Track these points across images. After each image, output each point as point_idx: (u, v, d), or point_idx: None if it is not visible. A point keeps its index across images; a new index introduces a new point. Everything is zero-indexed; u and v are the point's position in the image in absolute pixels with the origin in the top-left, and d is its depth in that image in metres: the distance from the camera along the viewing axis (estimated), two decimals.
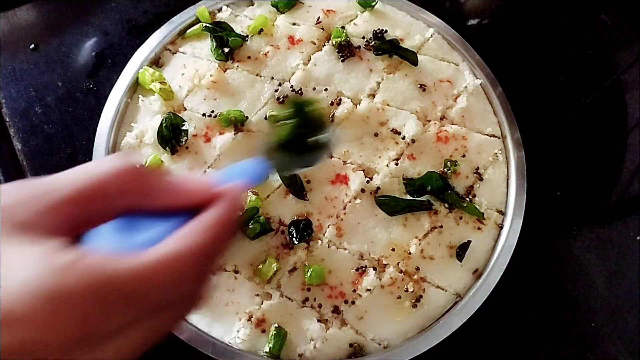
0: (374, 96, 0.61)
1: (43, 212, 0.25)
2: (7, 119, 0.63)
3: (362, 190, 0.56)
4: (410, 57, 0.63)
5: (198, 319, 0.52)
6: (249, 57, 0.63)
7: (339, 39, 0.63)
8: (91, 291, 0.23)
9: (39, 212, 0.25)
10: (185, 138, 0.58)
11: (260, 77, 0.62)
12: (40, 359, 0.22)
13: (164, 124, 0.57)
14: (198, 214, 0.27)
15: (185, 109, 0.60)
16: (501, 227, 0.58)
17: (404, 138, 0.59)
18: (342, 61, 0.63)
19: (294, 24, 0.65)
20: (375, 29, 0.64)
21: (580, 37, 0.72)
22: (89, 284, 0.23)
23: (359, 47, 0.64)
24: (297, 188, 0.56)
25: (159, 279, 0.24)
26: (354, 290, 0.53)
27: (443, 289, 0.54)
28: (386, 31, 0.64)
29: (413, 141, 0.59)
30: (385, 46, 0.63)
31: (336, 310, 0.52)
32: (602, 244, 0.62)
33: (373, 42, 0.64)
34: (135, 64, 0.62)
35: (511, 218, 0.58)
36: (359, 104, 0.61)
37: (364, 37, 0.64)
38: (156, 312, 0.25)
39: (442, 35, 0.66)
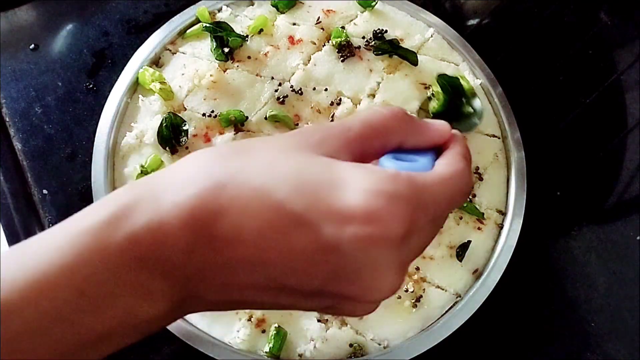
0: (374, 96, 0.61)
1: (343, 146, 0.30)
2: (7, 119, 0.63)
3: None
4: (410, 57, 0.63)
5: (198, 319, 0.52)
6: (249, 57, 0.63)
7: (339, 39, 0.63)
8: (415, 195, 0.27)
9: (340, 147, 0.30)
10: (185, 138, 0.58)
11: (260, 77, 0.62)
12: (378, 252, 0.26)
13: (164, 124, 0.57)
14: (441, 151, 0.33)
15: (185, 109, 0.60)
16: (501, 227, 0.58)
17: None
18: (342, 61, 0.63)
19: (294, 24, 0.65)
20: (375, 29, 0.64)
21: (580, 37, 0.72)
22: (413, 189, 0.27)
23: (359, 47, 0.64)
24: None
25: (449, 190, 0.30)
26: None
27: (443, 289, 0.54)
28: (386, 31, 0.64)
29: None
30: (385, 46, 0.63)
31: None
32: (602, 244, 0.62)
33: (373, 42, 0.64)
34: (135, 64, 0.62)
35: (511, 218, 0.58)
36: (359, 104, 0.61)
37: (364, 37, 0.64)
38: (435, 222, 0.31)
39: (442, 35, 0.66)
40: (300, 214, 0.26)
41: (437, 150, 0.34)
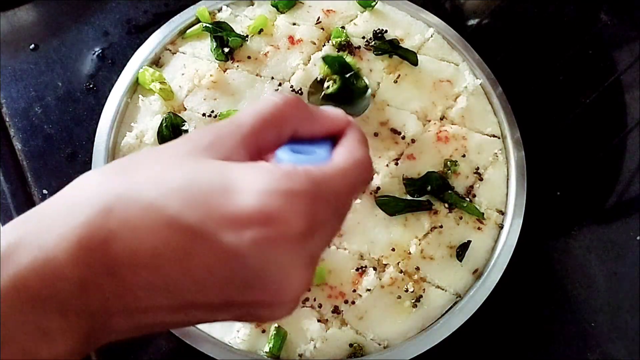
0: (374, 96, 0.61)
1: (236, 146, 0.29)
2: (7, 119, 0.63)
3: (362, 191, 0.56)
4: (410, 57, 0.63)
5: None
6: (249, 57, 0.63)
7: (339, 39, 0.63)
8: (313, 189, 0.26)
9: (234, 147, 0.29)
10: None
11: (260, 77, 0.62)
12: (280, 252, 0.25)
13: (164, 124, 0.57)
14: (337, 139, 0.32)
15: (185, 109, 0.60)
16: (501, 227, 0.58)
17: (404, 138, 0.59)
18: None
19: (294, 24, 0.65)
20: (375, 29, 0.64)
21: (580, 37, 0.72)
22: (310, 184, 0.26)
23: (359, 47, 0.64)
24: None
25: (348, 180, 0.29)
26: (354, 290, 0.53)
27: (443, 289, 0.54)
28: (386, 31, 0.64)
29: (413, 141, 0.59)
30: (385, 46, 0.63)
31: (336, 310, 0.52)
32: (602, 244, 0.62)
33: (373, 42, 0.64)
34: (135, 64, 0.62)
35: (511, 218, 0.58)
36: None
37: (364, 37, 0.64)
38: (339, 213, 0.30)
39: (442, 35, 0.66)
40: (195, 226, 0.25)
41: (333, 138, 0.33)
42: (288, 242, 0.26)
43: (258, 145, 0.30)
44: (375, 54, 0.63)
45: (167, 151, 0.29)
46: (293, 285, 0.27)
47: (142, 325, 0.27)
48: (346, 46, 0.63)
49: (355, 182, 0.30)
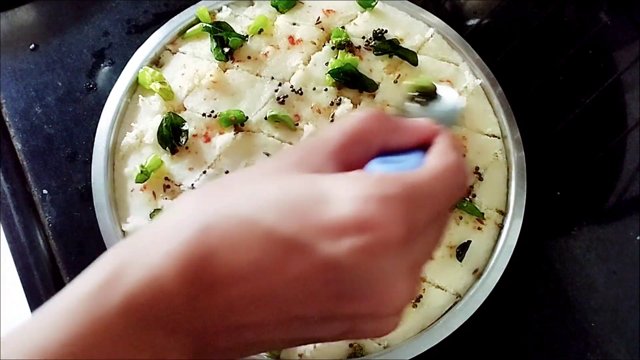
0: (374, 96, 0.61)
1: (325, 160, 0.29)
2: (7, 119, 0.63)
3: None
4: (410, 57, 0.63)
5: None
6: (249, 57, 0.63)
7: (339, 39, 0.63)
8: (407, 193, 0.26)
9: (323, 161, 0.29)
10: (185, 138, 0.58)
11: (260, 77, 0.62)
12: (381, 259, 0.25)
13: (164, 124, 0.57)
14: (427, 148, 0.32)
15: (185, 109, 0.60)
16: (501, 227, 0.58)
17: None
18: None
19: (294, 24, 0.65)
20: (375, 29, 0.64)
21: (580, 37, 0.72)
22: (403, 188, 0.26)
23: (359, 47, 0.64)
24: None
25: (443, 184, 0.29)
26: None
27: (443, 289, 0.54)
28: (386, 31, 0.64)
29: None
30: (385, 46, 0.63)
31: None
32: (602, 244, 0.62)
33: (373, 42, 0.64)
34: (135, 64, 0.62)
35: (511, 218, 0.58)
36: (359, 104, 0.61)
37: (364, 37, 0.64)
38: (439, 219, 0.30)
39: (442, 35, 0.66)
40: (292, 237, 0.25)
41: (424, 148, 0.32)
42: (388, 249, 0.25)
43: (347, 159, 0.30)
44: (375, 54, 0.63)
45: (258, 169, 0.30)
46: (397, 295, 0.26)
47: (246, 342, 0.27)
48: (346, 46, 0.63)
49: (451, 185, 0.29)
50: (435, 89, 0.47)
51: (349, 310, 0.26)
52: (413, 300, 0.53)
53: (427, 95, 0.46)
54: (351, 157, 0.30)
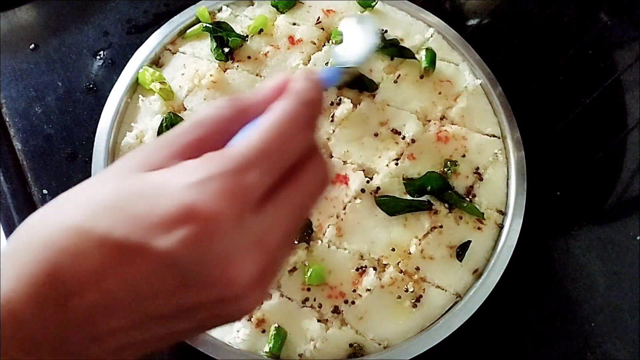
0: (374, 96, 0.61)
1: (175, 154, 0.28)
2: (7, 119, 0.63)
3: (362, 190, 0.56)
4: (407, 54, 0.63)
5: None
6: (249, 57, 0.63)
7: (341, 37, 0.62)
8: (228, 168, 0.26)
9: (171, 156, 0.28)
10: None
11: (260, 77, 0.62)
12: (214, 243, 0.25)
13: (164, 124, 0.57)
14: None
15: (185, 109, 0.60)
16: (501, 227, 0.58)
17: (404, 138, 0.59)
18: None
19: (294, 24, 0.65)
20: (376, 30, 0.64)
21: (580, 37, 0.72)
22: (223, 164, 0.26)
23: None
24: None
25: (276, 141, 0.27)
26: (354, 290, 0.53)
27: (443, 289, 0.54)
28: (386, 31, 0.64)
29: (413, 141, 0.59)
30: (391, 51, 0.63)
31: (336, 310, 0.52)
32: (602, 244, 0.62)
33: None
34: (135, 64, 0.62)
35: (511, 218, 0.58)
36: (359, 104, 0.61)
37: None
38: (294, 175, 0.29)
39: (442, 35, 0.66)
40: (125, 239, 0.25)
41: None
42: (218, 230, 0.25)
43: (205, 151, 0.28)
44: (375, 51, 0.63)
45: (97, 177, 0.29)
46: (240, 272, 0.26)
47: (113, 349, 0.26)
48: None
49: (289, 137, 0.28)
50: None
51: (199, 299, 0.26)
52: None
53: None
54: (208, 148, 0.28)
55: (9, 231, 0.58)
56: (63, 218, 0.26)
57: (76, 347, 0.25)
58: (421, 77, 0.63)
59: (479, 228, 0.57)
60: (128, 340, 0.26)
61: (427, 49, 0.62)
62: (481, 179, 0.59)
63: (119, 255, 0.25)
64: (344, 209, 0.56)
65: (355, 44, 0.38)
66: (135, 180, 0.27)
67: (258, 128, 0.27)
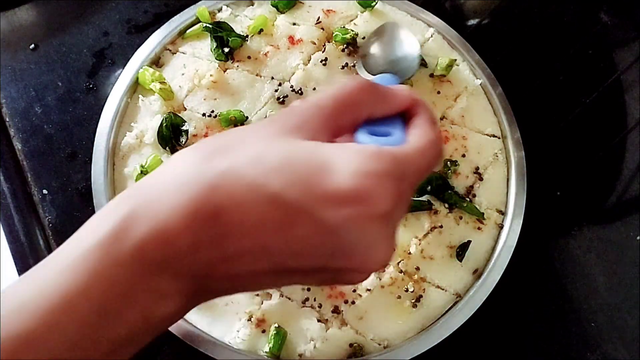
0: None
1: (320, 127, 0.31)
2: (7, 119, 0.63)
3: None
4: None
5: (198, 319, 0.52)
6: (249, 57, 0.63)
7: (346, 36, 0.62)
8: (399, 170, 0.30)
9: (318, 128, 0.31)
10: (185, 138, 0.58)
11: (260, 77, 0.62)
12: (371, 227, 0.29)
13: (164, 124, 0.57)
14: (408, 117, 0.35)
15: (185, 109, 0.60)
16: (501, 227, 0.58)
17: None
18: (342, 68, 0.63)
19: (294, 24, 0.65)
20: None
21: (580, 37, 0.72)
22: (396, 165, 0.29)
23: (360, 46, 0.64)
24: None
25: (427, 159, 0.32)
26: (354, 290, 0.53)
27: (443, 289, 0.54)
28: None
29: None
30: None
31: (336, 310, 0.52)
32: (602, 244, 0.62)
33: None
34: (135, 64, 0.62)
35: (511, 218, 0.58)
36: None
37: (364, 37, 0.64)
38: (416, 187, 0.34)
39: (442, 35, 0.66)
40: (296, 203, 0.27)
41: (403, 115, 0.35)
42: (378, 219, 0.28)
43: (337, 126, 0.32)
44: None
45: (259, 132, 0.31)
46: (379, 257, 0.30)
47: (237, 286, 0.30)
48: (351, 45, 0.63)
49: (431, 160, 0.33)
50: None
51: (338, 265, 0.29)
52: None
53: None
54: (341, 124, 0.32)
55: (9, 231, 0.58)
56: (230, 167, 0.28)
57: (213, 279, 0.28)
58: (431, 75, 0.63)
59: (479, 228, 0.57)
60: (255, 281, 0.30)
61: (448, 60, 0.63)
62: (481, 179, 0.59)
63: (285, 215, 0.27)
64: None
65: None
66: (305, 148, 0.29)
67: (420, 144, 0.32)
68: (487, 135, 0.62)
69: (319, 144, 0.30)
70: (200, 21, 0.64)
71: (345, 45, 0.63)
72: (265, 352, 0.50)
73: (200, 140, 0.33)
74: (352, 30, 0.63)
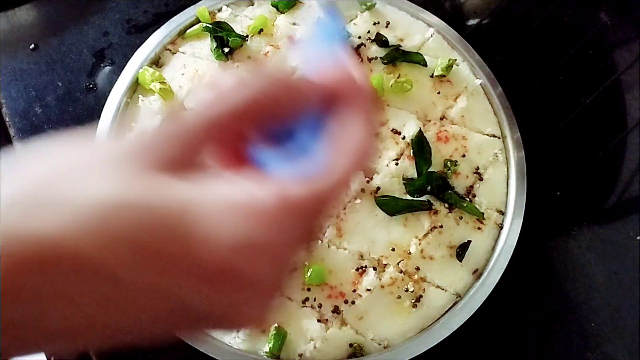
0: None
1: (186, 149, 0.23)
2: (7, 119, 0.63)
3: (362, 190, 0.56)
4: (416, 59, 0.63)
5: None
6: (249, 57, 0.63)
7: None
8: (292, 224, 0.23)
9: (182, 151, 0.23)
10: None
11: None
12: (238, 296, 0.22)
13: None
14: (335, 103, 0.26)
15: (185, 109, 0.60)
16: (501, 227, 0.58)
17: (404, 138, 0.59)
18: None
19: (294, 24, 0.65)
20: (378, 33, 0.64)
21: (580, 37, 0.72)
22: (290, 217, 0.23)
23: (361, 45, 0.64)
24: None
25: (347, 183, 0.25)
26: (354, 290, 0.53)
27: (443, 289, 0.54)
28: (385, 38, 0.64)
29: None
30: (394, 54, 0.63)
31: (336, 310, 0.52)
32: (602, 244, 0.62)
33: (376, 50, 0.63)
34: (135, 64, 0.62)
35: (511, 218, 0.58)
36: None
37: (360, 37, 0.64)
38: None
39: (442, 35, 0.66)
40: (141, 280, 0.20)
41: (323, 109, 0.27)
42: (249, 288, 0.23)
43: (233, 137, 0.24)
44: (384, 63, 0.63)
45: (88, 157, 0.22)
46: (251, 319, 0.25)
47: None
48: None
49: (350, 178, 0.25)
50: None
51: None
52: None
53: None
54: (229, 139, 0.24)
55: None
56: (50, 230, 0.19)
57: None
58: (431, 75, 0.63)
59: (479, 228, 0.57)
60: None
61: (449, 60, 0.63)
62: (481, 179, 0.59)
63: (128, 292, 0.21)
64: (344, 209, 0.56)
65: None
66: (151, 190, 0.21)
67: (342, 168, 0.25)
68: (487, 135, 0.62)
69: (175, 184, 0.21)
70: (200, 21, 0.64)
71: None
72: (265, 352, 0.50)
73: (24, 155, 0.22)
74: (347, 31, 0.63)
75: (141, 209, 0.20)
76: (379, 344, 0.52)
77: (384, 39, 0.64)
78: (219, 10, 0.66)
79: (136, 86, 0.62)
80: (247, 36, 0.63)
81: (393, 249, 0.55)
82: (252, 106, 0.24)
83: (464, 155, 0.60)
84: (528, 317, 0.58)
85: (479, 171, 0.60)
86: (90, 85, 0.65)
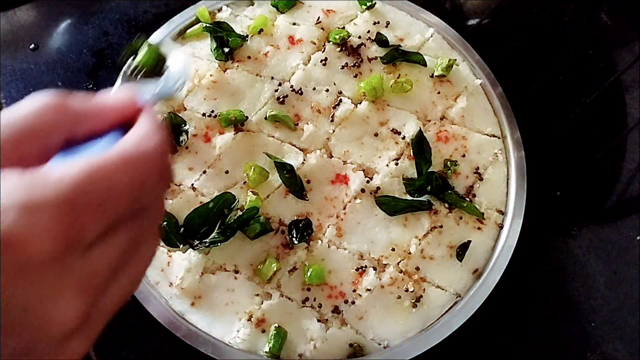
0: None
1: None
2: None
3: (362, 190, 0.56)
4: (416, 59, 0.63)
5: (198, 319, 0.52)
6: (249, 57, 0.63)
7: (341, 35, 0.62)
8: (67, 197, 0.22)
9: None
10: (185, 138, 0.58)
11: (260, 77, 0.62)
12: (30, 280, 0.21)
13: (164, 124, 0.57)
14: (128, 128, 0.27)
15: (185, 109, 0.60)
16: (501, 227, 0.58)
17: (404, 138, 0.59)
18: (342, 68, 0.63)
19: (294, 24, 0.65)
20: (378, 32, 0.64)
21: (580, 37, 0.72)
22: (58, 191, 0.22)
23: (361, 44, 0.64)
24: (297, 188, 0.56)
25: (131, 174, 0.24)
26: (354, 290, 0.53)
27: (443, 289, 0.54)
28: (385, 38, 0.64)
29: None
30: (394, 54, 0.63)
31: (336, 310, 0.52)
32: (602, 244, 0.62)
33: (376, 50, 0.63)
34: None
35: (511, 218, 0.58)
36: (359, 103, 0.61)
37: (359, 37, 0.64)
38: (131, 217, 0.25)
39: (442, 35, 0.66)
40: None
41: (126, 127, 0.28)
42: (37, 266, 0.21)
43: (16, 159, 0.24)
44: (384, 63, 0.63)
45: None
46: (61, 314, 0.22)
47: None
48: (346, 45, 0.63)
49: (142, 177, 0.24)
50: (159, 63, 0.42)
51: (11, 343, 0.22)
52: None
53: (154, 69, 0.42)
54: (22, 155, 0.24)
55: None
56: None
57: None
58: (431, 75, 0.63)
59: (479, 228, 0.57)
60: None
61: (449, 60, 0.63)
62: (481, 179, 0.59)
63: None
64: (344, 208, 0.56)
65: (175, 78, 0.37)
66: None
67: (122, 153, 0.24)
68: (487, 135, 0.62)
69: None
70: (200, 21, 0.64)
71: (341, 46, 0.63)
72: (265, 352, 0.50)
73: None
74: (346, 30, 0.63)
75: None
76: (379, 344, 0.52)
77: (384, 38, 0.64)
78: (219, 10, 0.66)
79: None
80: (247, 36, 0.63)
81: (393, 249, 0.55)
82: (40, 124, 0.25)
83: (464, 155, 0.60)
84: (528, 317, 0.58)
85: (479, 171, 0.60)
86: (90, 85, 0.65)
